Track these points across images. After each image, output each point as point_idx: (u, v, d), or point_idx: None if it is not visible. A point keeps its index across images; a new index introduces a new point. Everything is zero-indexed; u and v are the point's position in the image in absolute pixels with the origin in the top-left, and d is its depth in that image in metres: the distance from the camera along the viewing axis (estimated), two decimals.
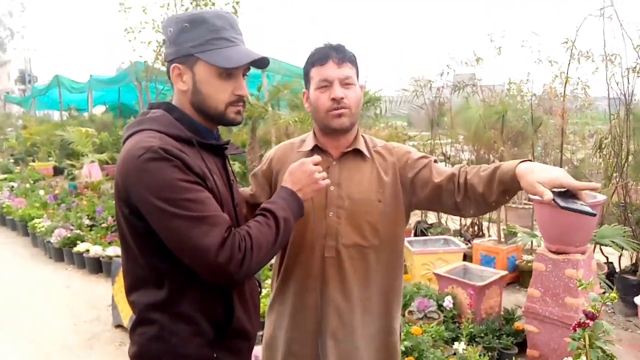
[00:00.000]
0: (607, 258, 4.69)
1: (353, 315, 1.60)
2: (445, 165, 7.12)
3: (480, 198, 1.47)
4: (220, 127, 1.43)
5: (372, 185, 1.60)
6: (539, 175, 1.29)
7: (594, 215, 1.23)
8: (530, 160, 1.40)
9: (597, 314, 1.95)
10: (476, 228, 6.06)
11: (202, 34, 1.26)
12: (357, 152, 1.63)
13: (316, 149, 1.64)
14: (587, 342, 1.94)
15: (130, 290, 1.31)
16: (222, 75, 1.29)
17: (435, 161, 1.65)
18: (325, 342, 1.60)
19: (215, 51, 1.27)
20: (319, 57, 1.56)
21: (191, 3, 5.96)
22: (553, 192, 1.25)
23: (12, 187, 9.35)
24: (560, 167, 5.30)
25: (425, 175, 1.58)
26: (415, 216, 6.61)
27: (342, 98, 1.53)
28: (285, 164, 1.63)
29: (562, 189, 1.27)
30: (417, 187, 1.60)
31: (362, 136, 1.68)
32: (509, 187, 1.41)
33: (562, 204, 1.23)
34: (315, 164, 1.42)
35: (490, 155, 5.96)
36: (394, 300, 1.68)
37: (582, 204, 1.23)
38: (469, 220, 6.18)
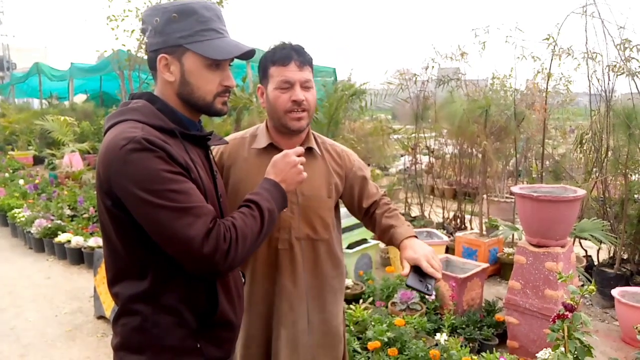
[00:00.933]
0: (586, 251, 4.79)
1: (302, 302, 1.71)
2: (429, 159, 7.17)
3: (377, 236, 1.79)
4: (202, 118, 1.42)
5: (323, 182, 1.71)
6: (407, 254, 1.57)
7: (430, 294, 1.53)
8: (416, 237, 1.66)
9: (576, 306, 1.99)
10: (459, 221, 6.13)
11: (191, 25, 1.25)
12: (309, 150, 1.70)
13: (270, 147, 1.69)
14: (566, 333, 1.98)
15: (113, 282, 1.30)
16: (210, 66, 1.28)
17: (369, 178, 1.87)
18: (276, 326, 1.70)
19: (205, 42, 1.26)
20: (281, 57, 1.60)
21: None
22: (415, 267, 1.54)
23: None
24: (542, 161, 5.39)
25: (359, 192, 1.80)
26: (399, 209, 6.65)
27: (303, 101, 1.60)
28: (237, 160, 1.70)
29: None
30: (351, 196, 1.80)
31: (313, 134, 1.76)
32: (395, 247, 1.68)
33: (407, 282, 1.52)
34: (298, 155, 1.44)
35: (474, 149, 6.02)
36: (339, 287, 1.83)
37: (427, 284, 1.52)
38: (451, 213, 6.25)
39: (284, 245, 1.68)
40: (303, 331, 1.71)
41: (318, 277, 1.74)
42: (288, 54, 1.60)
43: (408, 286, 1.52)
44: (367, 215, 1.81)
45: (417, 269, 1.53)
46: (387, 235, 1.72)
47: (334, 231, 1.77)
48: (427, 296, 1.54)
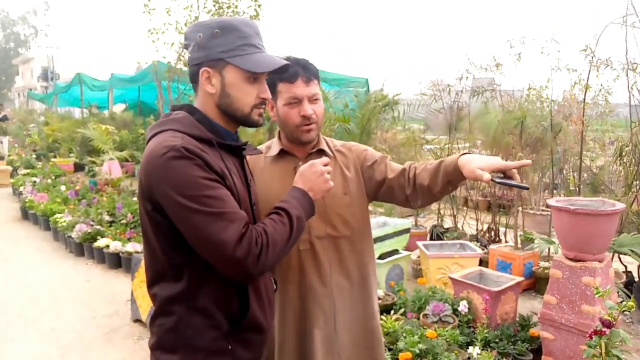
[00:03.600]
0: (625, 267, 4.64)
1: (332, 302, 1.71)
2: None
3: (426, 190, 1.64)
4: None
5: (337, 180, 1.72)
6: (477, 162, 1.47)
7: (527, 188, 1.44)
8: (470, 153, 1.57)
9: (614, 322, 1.95)
10: (493, 233, 6.04)
11: (232, 40, 1.33)
12: (321, 152, 1.76)
13: (282, 153, 1.76)
14: (604, 350, 1.94)
15: (151, 283, 1.37)
16: (249, 79, 1.36)
17: (390, 159, 1.81)
18: (308, 329, 1.70)
19: (245, 57, 1.33)
20: (287, 74, 1.63)
21: (214, 5, 6.03)
22: (491, 174, 1.43)
23: (35, 182, 9.54)
24: (579, 174, 5.27)
25: (382, 171, 1.75)
26: (431, 220, 6.61)
27: (312, 115, 1.65)
28: (254, 170, 1.74)
29: (500, 174, 1.46)
30: (374, 181, 1.76)
31: (323, 138, 1.80)
32: (452, 178, 1.57)
33: (497, 180, 1.43)
34: (324, 165, 1.49)
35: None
36: (372, 285, 1.82)
37: (516, 182, 1.43)
38: (485, 226, 6.16)
39: (305, 246, 1.69)
40: (337, 331, 1.72)
41: (345, 275, 1.74)
42: (294, 71, 1.63)
43: (499, 183, 1.44)
44: (410, 186, 1.68)
45: (497, 176, 1.44)
46: (439, 173, 1.59)
47: (356, 228, 1.75)
48: (522, 189, 1.45)
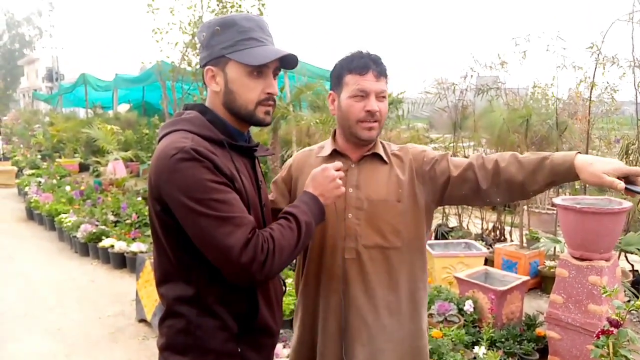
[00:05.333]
0: (632, 266, 4.61)
1: (378, 318, 1.59)
2: None
3: (517, 186, 1.49)
4: None
5: (391, 186, 1.61)
6: (602, 166, 1.34)
7: None
8: (580, 152, 1.43)
9: (622, 322, 1.93)
10: (498, 232, 6.01)
11: (232, 35, 1.31)
12: (376, 156, 1.65)
13: (335, 153, 1.66)
14: (611, 350, 1.92)
15: (160, 282, 1.36)
16: (252, 74, 1.33)
17: (452, 156, 1.67)
18: (350, 344, 1.60)
19: (244, 51, 1.31)
20: (358, 66, 1.57)
21: (217, 5, 6.02)
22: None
23: (40, 182, 9.57)
24: None
25: (444, 169, 1.59)
26: (436, 219, 6.58)
27: (377, 111, 1.56)
28: (304, 170, 1.67)
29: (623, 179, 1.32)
30: (438, 183, 1.61)
31: (381, 142, 1.69)
32: (560, 179, 1.44)
33: (633, 188, 1.29)
34: (337, 170, 1.45)
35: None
36: (421, 302, 1.67)
37: None
38: (490, 225, 6.14)
39: (351, 254, 1.59)
40: (381, 350, 1.58)
41: (392, 289, 1.60)
42: (366, 63, 1.56)
43: (636, 192, 1.30)
44: (487, 180, 1.52)
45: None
46: (541, 170, 1.44)
47: (407, 238, 1.61)
48: None
